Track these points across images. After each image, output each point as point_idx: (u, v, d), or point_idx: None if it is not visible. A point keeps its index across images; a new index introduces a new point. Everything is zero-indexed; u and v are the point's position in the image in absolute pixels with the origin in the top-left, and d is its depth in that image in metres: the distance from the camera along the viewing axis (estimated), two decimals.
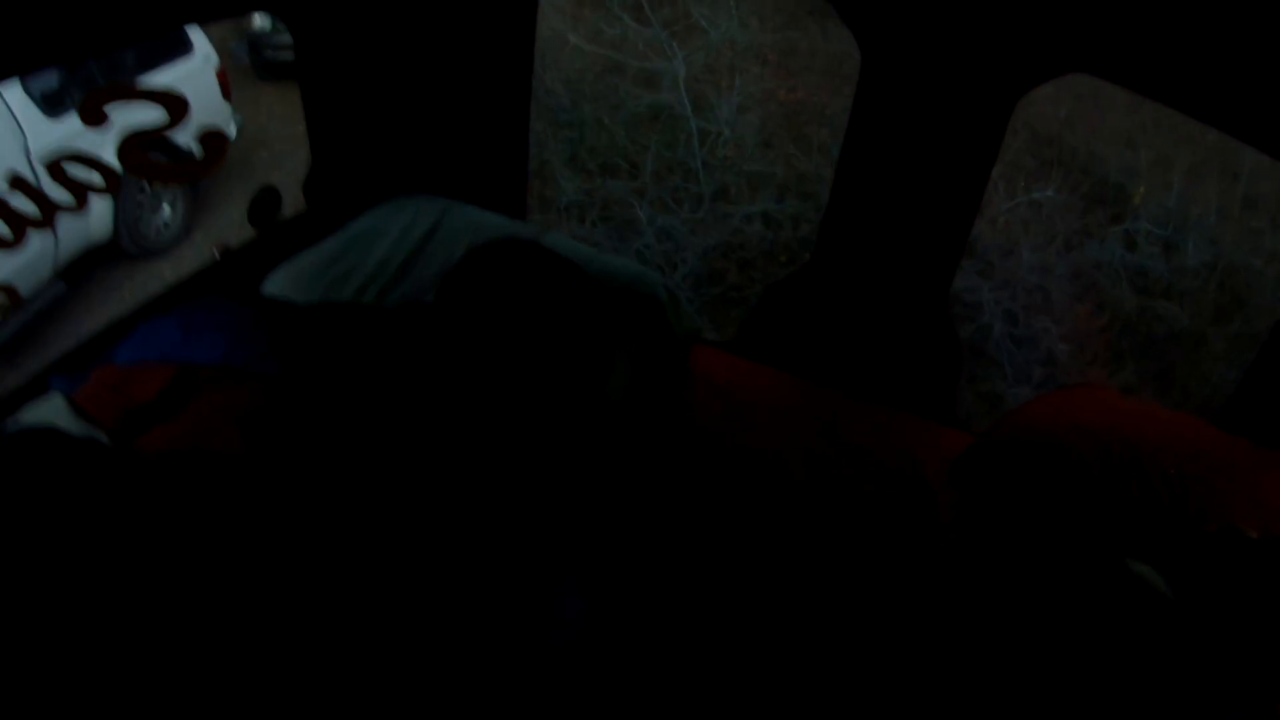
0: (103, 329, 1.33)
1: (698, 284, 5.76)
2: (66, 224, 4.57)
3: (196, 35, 5.22)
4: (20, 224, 1.30)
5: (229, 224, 5.35)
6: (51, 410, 1.04)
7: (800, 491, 1.57)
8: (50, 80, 4.36)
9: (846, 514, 1.54)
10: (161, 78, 5.01)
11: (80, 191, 1.34)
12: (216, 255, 1.70)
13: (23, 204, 1.29)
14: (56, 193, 1.37)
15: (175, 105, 1.35)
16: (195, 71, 5.22)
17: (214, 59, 5.34)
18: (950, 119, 1.53)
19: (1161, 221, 6.05)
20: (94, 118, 1.31)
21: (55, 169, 1.29)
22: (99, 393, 1.01)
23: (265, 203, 1.60)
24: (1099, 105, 6.41)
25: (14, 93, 4.09)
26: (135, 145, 1.35)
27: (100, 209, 4.81)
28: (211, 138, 1.49)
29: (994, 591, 1.33)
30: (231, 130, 5.62)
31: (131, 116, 1.31)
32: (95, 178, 1.34)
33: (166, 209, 5.33)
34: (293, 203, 1.82)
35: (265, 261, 1.60)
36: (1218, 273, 5.94)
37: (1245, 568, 1.22)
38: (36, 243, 4.43)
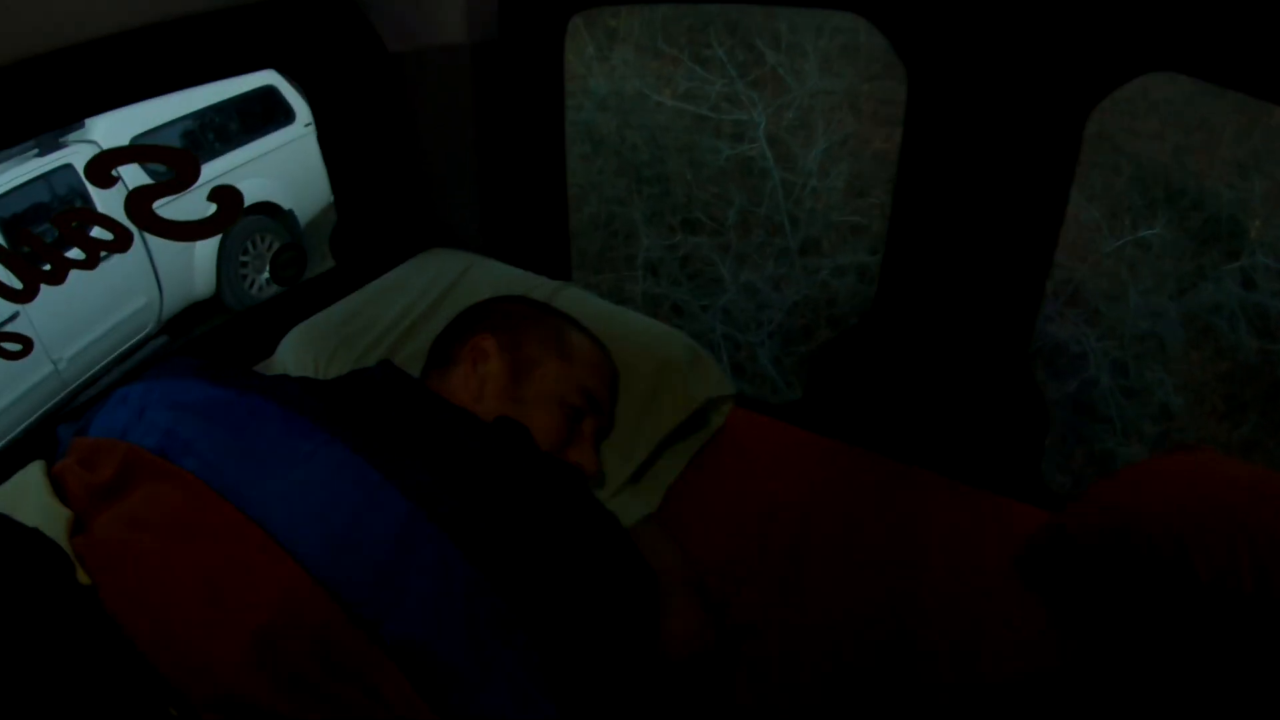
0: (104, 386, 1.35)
1: (786, 341, 5.62)
2: (171, 281, 4.82)
3: (298, 103, 5.49)
4: (35, 278, 1.33)
5: None
6: (26, 485, 1.03)
7: (829, 569, 1.39)
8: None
9: (884, 601, 1.34)
10: (265, 144, 5.27)
11: (91, 246, 1.36)
12: None
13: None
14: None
15: (185, 164, 1.36)
16: (296, 137, 5.49)
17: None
18: (1015, 140, 1.35)
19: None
20: (102, 180, 1.33)
21: (63, 224, 1.31)
22: (71, 466, 0.99)
23: (289, 260, 1.62)
24: (1210, 135, 6.01)
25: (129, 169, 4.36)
26: (141, 201, 1.36)
27: (204, 267, 5.05)
28: (224, 194, 1.49)
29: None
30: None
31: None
32: (107, 234, 1.36)
33: (269, 268, 5.56)
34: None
35: (288, 319, 1.60)
36: None
37: None
38: (143, 298, 4.68)
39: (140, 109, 4.69)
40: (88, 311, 4.39)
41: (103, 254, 1.41)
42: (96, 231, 1.37)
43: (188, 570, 0.79)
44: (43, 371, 4.20)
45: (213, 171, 4.78)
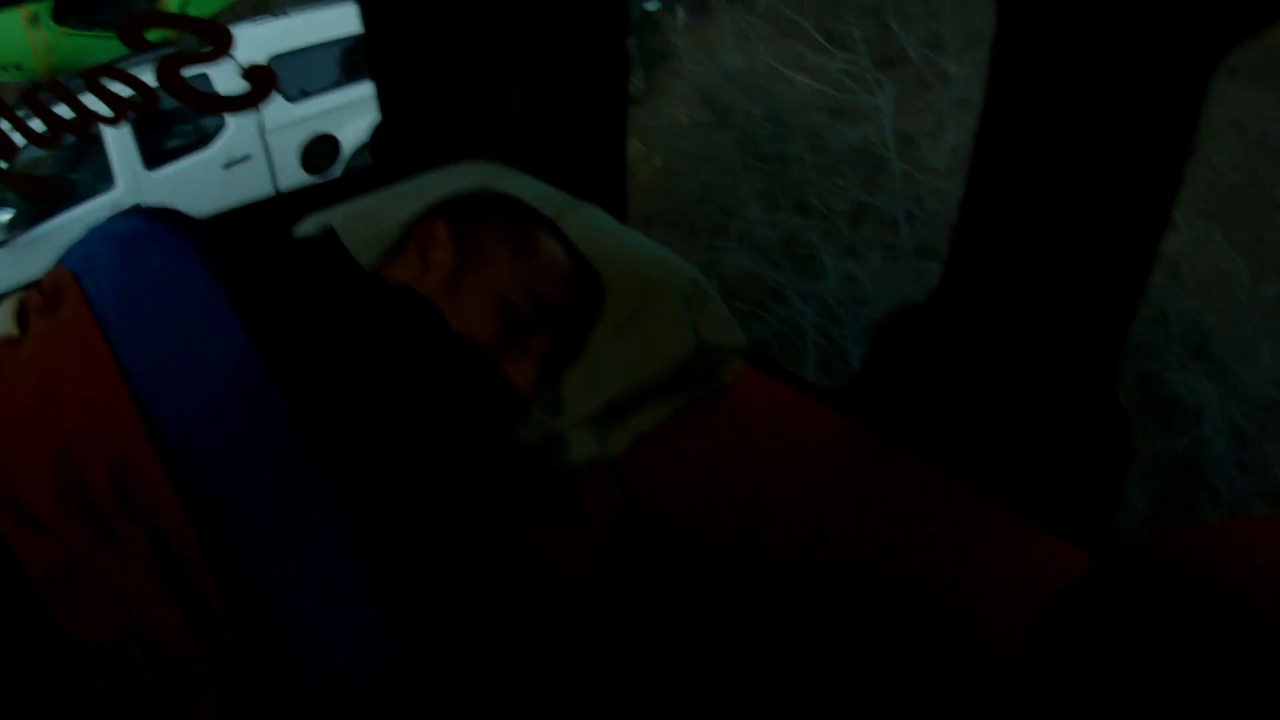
0: None
1: None
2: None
3: None
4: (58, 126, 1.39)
5: None
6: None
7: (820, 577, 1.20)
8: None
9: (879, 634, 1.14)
10: None
11: (119, 106, 1.41)
12: None
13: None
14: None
15: (219, 36, 1.39)
16: None
17: None
18: (1121, 97, 1.12)
19: None
20: (135, 42, 1.38)
21: (93, 82, 1.36)
22: (33, 293, 0.99)
23: (321, 151, 1.63)
24: None
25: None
26: (173, 67, 1.40)
27: None
28: (258, 73, 1.52)
29: None
30: None
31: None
32: (134, 95, 1.41)
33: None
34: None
35: (310, 209, 1.60)
36: None
37: None
38: None
39: (282, 33, 4.77)
40: None
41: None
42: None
43: (32, 379, 0.79)
44: None
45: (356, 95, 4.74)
